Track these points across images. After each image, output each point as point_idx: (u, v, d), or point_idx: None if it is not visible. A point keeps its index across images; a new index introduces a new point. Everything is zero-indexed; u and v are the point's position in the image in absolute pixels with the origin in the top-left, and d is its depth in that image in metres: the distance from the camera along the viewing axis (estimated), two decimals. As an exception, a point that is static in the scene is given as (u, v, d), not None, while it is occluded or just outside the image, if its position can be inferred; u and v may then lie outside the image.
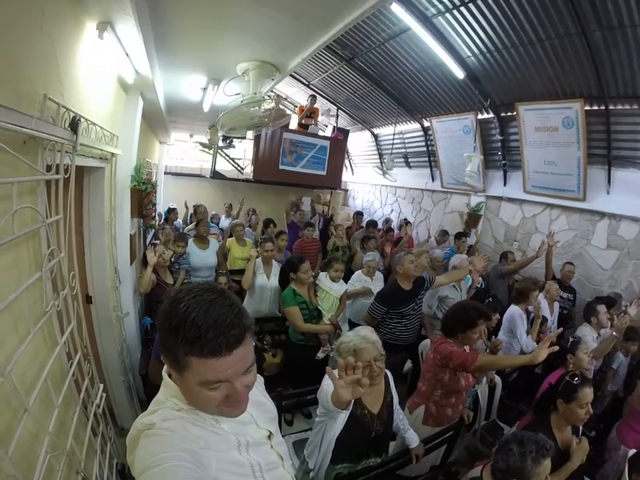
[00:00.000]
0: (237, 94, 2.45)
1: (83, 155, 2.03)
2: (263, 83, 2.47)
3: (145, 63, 2.28)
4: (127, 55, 2.24)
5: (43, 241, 1.42)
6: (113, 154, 2.61)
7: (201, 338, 0.75)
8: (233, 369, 0.80)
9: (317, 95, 7.35)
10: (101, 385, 1.99)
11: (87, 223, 2.64)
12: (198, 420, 0.86)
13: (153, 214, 3.33)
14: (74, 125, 1.61)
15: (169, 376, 0.90)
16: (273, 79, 2.63)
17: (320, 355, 3.12)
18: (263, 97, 2.44)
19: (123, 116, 2.93)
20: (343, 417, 1.83)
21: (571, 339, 2.49)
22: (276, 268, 3.76)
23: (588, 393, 1.96)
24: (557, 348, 1.88)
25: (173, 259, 3.72)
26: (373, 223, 6.12)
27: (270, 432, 1.05)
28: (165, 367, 0.92)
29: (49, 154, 1.44)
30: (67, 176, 1.60)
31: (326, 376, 1.86)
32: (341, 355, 1.91)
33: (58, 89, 1.58)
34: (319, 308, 3.20)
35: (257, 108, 2.46)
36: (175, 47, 2.35)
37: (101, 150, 2.25)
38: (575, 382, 1.97)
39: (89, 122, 1.94)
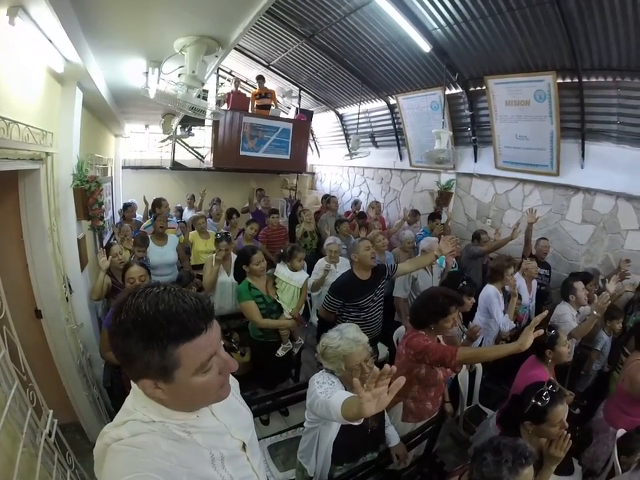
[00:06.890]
0: (180, 67, 2.24)
1: (6, 159, 1.80)
2: (202, 60, 2.25)
3: (71, 49, 2.02)
4: (50, 41, 1.98)
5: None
6: (47, 153, 2.36)
7: (184, 323, 0.74)
8: (216, 338, 0.81)
9: (279, 75, 7.06)
10: (51, 412, 1.80)
11: (26, 231, 2.41)
12: (169, 434, 0.83)
13: (101, 214, 3.07)
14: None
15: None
16: (216, 56, 2.41)
17: (280, 352, 2.94)
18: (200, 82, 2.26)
19: (59, 110, 2.65)
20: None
21: (548, 333, 2.28)
22: None
23: (561, 411, 1.79)
24: (541, 332, 1.78)
25: (131, 260, 3.47)
26: (326, 196, 6.13)
27: (244, 442, 0.99)
28: None
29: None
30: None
31: (315, 381, 1.75)
32: (328, 360, 1.78)
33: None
34: (279, 302, 2.99)
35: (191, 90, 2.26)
36: (105, 29, 2.09)
37: (28, 150, 2.00)
38: (543, 401, 1.79)
39: (7, 120, 1.70)
